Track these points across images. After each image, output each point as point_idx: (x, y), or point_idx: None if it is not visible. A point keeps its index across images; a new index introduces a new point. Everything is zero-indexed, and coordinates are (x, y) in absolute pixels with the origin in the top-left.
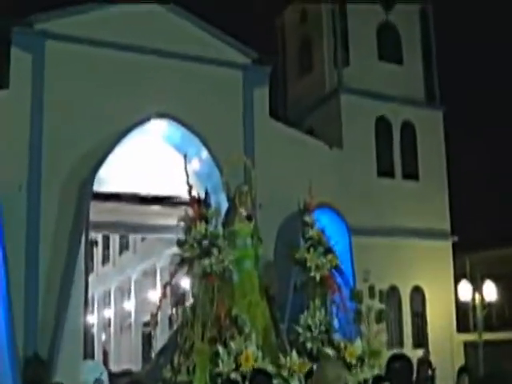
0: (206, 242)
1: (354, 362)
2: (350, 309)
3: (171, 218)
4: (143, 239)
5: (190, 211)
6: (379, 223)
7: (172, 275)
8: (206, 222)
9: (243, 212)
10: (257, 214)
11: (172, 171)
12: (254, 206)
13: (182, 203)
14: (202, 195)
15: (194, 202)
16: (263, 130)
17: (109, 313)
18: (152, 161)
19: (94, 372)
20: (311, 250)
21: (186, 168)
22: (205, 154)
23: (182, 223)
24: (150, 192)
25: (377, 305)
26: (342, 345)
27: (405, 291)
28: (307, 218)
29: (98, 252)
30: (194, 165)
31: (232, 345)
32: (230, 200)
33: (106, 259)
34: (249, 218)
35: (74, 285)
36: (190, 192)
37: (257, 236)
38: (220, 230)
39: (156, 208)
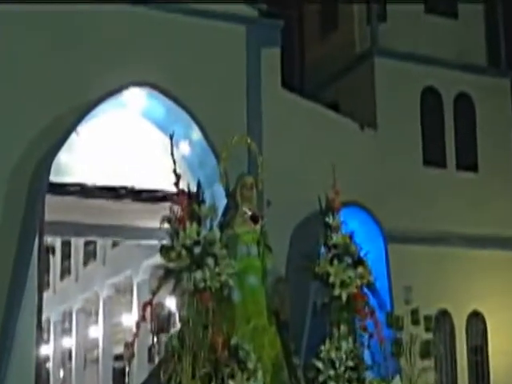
0: (198, 250)
1: None
2: (386, 339)
3: (152, 217)
4: (115, 245)
5: (178, 209)
6: (425, 227)
7: (153, 293)
8: (199, 223)
9: (247, 211)
10: (264, 213)
11: (154, 157)
12: (260, 204)
13: (166, 199)
14: (193, 188)
15: (183, 196)
16: (273, 103)
17: (69, 342)
18: (128, 144)
19: None
20: (335, 261)
21: (172, 153)
22: (196, 134)
23: (167, 225)
24: (125, 184)
25: (422, 334)
26: None
27: (459, 317)
28: (330, 220)
29: (55, 262)
30: (183, 149)
31: None
32: (230, 195)
33: (66, 272)
34: (254, 218)
35: (24, 304)
36: (177, 184)
37: (264, 243)
38: (216, 233)
39: (133, 205)
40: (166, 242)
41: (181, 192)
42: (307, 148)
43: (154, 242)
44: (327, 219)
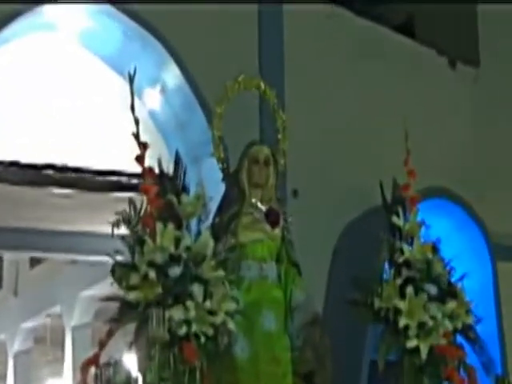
0: (176, 271)
1: None
2: None
3: (98, 217)
4: (35, 264)
5: (142, 202)
6: None
7: (101, 344)
8: (178, 225)
9: (259, 205)
10: (289, 209)
11: (102, 117)
12: (282, 193)
13: (122, 186)
14: (168, 166)
15: (150, 180)
16: (301, 23)
17: None
18: (58, 93)
19: None
20: (409, 290)
21: (132, 105)
22: (174, 76)
23: (123, 229)
24: (51, 161)
25: None
26: None
27: None
28: (400, 221)
29: None
30: (151, 101)
31: None
32: (230, 178)
33: None
34: (272, 217)
35: None
36: (140, 159)
37: (289, 258)
38: (207, 243)
39: (65, 196)
40: (121, 257)
41: (147, 172)
42: (357, 98)
43: (101, 258)
44: (395, 219)
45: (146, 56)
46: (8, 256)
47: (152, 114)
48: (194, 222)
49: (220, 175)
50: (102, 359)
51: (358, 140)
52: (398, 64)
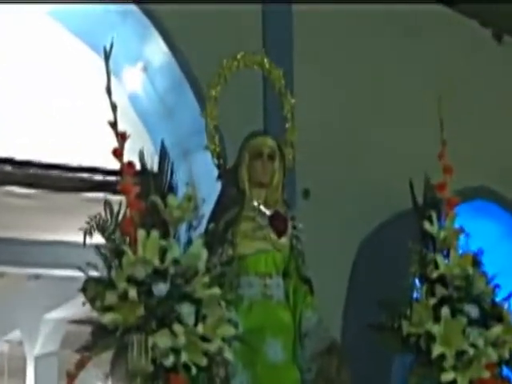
0: (161, 288)
1: None
2: None
3: (66, 224)
4: None
5: (119, 203)
6: None
7: (71, 376)
8: (164, 232)
9: (262, 208)
10: (299, 213)
11: (72, 101)
12: (291, 194)
13: (97, 184)
14: (152, 161)
15: (130, 176)
16: None
17: None
18: (18, 73)
19: None
20: (445, 311)
21: (108, 87)
22: (159, 52)
23: (97, 237)
24: (9, 155)
25: None
26: None
27: None
28: (434, 228)
29: None
30: (130, 81)
31: None
32: (228, 175)
33: None
34: (278, 224)
35: None
36: (117, 154)
37: (299, 273)
38: (200, 254)
39: (31, 196)
40: (94, 272)
41: (126, 168)
42: (382, 78)
43: (71, 273)
44: (427, 226)
45: (126, 28)
46: None
47: (133, 99)
48: (183, 229)
49: (215, 172)
50: None
51: (382, 130)
52: (434, 38)
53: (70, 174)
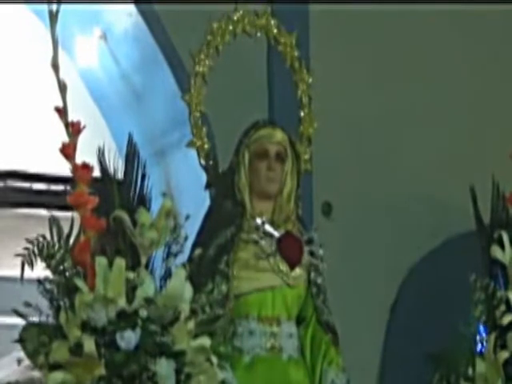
0: (129, 338)
1: None
2: None
3: (2, 246)
4: None
5: (73, 218)
6: None
7: None
8: (133, 259)
9: (267, 228)
10: (318, 234)
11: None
12: (308, 208)
13: (41, 198)
14: (116, 161)
15: (86, 183)
16: None
17: None
18: None
19: None
20: None
21: (54, 64)
22: (123, 14)
23: (40, 264)
24: None
25: None
26: None
27: None
28: (502, 253)
29: None
30: (85, 55)
31: None
32: (220, 182)
33: None
34: (290, 249)
35: None
36: (67, 151)
37: (318, 318)
38: (182, 290)
39: None
40: (36, 316)
41: (79, 173)
42: (426, 62)
43: (3, 319)
44: (495, 251)
45: None
46: None
47: (87, 78)
48: (159, 257)
49: (203, 178)
50: None
51: (430, 125)
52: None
53: (1, 183)
